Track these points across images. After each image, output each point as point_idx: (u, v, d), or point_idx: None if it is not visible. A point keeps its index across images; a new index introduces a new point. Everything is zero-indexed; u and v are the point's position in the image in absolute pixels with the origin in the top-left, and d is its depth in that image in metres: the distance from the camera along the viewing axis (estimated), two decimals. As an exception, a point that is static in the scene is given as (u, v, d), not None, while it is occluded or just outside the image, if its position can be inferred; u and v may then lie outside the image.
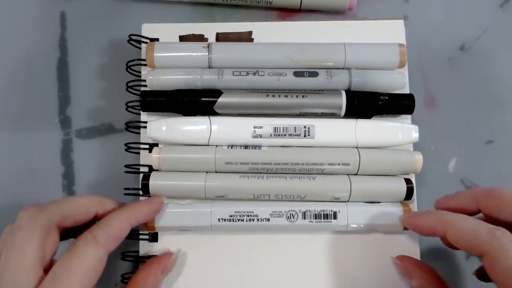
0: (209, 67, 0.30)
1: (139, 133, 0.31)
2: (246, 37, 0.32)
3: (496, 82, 0.33)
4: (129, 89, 0.31)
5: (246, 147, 0.29)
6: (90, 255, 0.23)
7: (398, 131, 0.29)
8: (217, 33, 0.32)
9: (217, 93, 0.29)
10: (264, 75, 0.30)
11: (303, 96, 0.29)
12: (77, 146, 0.33)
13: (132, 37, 0.31)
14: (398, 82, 0.30)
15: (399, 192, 0.29)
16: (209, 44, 0.30)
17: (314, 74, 0.30)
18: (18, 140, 0.33)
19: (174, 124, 0.29)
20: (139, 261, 0.30)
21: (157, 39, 0.32)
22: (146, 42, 0.31)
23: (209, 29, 0.32)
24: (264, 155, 0.29)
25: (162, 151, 0.29)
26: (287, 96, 0.29)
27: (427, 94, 0.33)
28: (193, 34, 0.32)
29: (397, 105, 0.30)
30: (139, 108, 0.31)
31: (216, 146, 0.29)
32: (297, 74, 0.30)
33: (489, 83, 0.33)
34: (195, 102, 0.29)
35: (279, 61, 0.30)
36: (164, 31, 0.32)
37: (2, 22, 0.35)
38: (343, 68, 0.30)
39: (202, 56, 0.30)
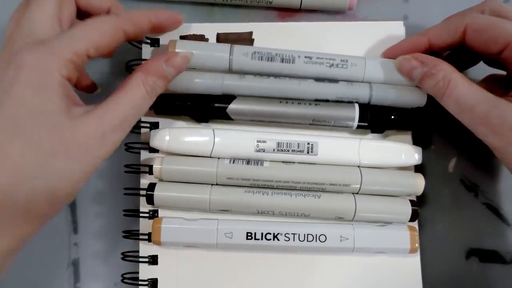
0: (229, 69, 0.30)
1: (139, 133, 0.31)
2: (247, 37, 0.32)
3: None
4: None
5: (248, 162, 0.29)
6: (109, 20, 0.25)
7: (401, 152, 0.29)
8: (217, 33, 0.32)
9: (230, 98, 0.29)
10: (285, 78, 0.29)
11: (316, 105, 0.29)
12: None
13: (132, 37, 0.31)
14: (419, 99, 0.29)
15: (404, 214, 0.29)
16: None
17: (334, 81, 0.29)
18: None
19: (177, 134, 0.29)
20: (139, 261, 0.30)
21: (158, 40, 0.32)
22: (147, 42, 0.31)
23: (210, 29, 0.32)
24: (265, 172, 0.29)
25: (164, 162, 0.29)
26: (300, 103, 0.29)
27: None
28: (193, 34, 0.32)
29: (409, 120, 0.29)
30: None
31: (218, 158, 0.29)
32: (318, 80, 0.29)
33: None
34: (208, 107, 0.29)
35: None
36: (165, 31, 0.32)
37: (2, 22, 0.35)
38: (362, 82, 0.30)
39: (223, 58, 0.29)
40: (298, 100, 0.29)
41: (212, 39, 0.32)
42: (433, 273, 0.31)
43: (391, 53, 0.30)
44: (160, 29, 0.30)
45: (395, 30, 0.32)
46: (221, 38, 0.32)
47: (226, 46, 0.30)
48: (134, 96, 0.25)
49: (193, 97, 0.29)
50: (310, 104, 0.29)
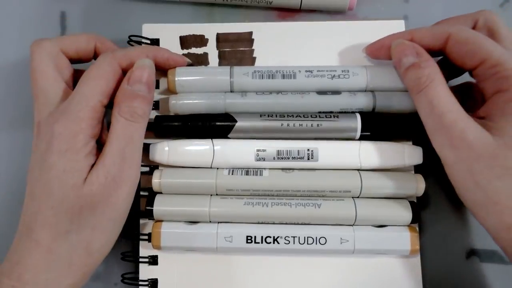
0: (231, 91, 0.30)
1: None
2: (246, 37, 0.32)
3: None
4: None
5: (247, 172, 0.29)
6: (105, 64, 0.26)
7: (402, 152, 0.29)
8: (217, 33, 0.32)
9: (231, 120, 0.29)
10: (287, 93, 0.29)
11: (318, 125, 0.29)
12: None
13: (132, 37, 0.31)
14: None
15: (405, 218, 0.29)
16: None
17: (337, 93, 0.29)
18: (18, 140, 0.33)
19: (176, 147, 0.29)
20: (138, 261, 0.30)
21: (158, 40, 0.32)
22: (147, 43, 0.31)
23: (210, 30, 0.32)
24: (265, 181, 0.29)
25: (163, 175, 0.29)
26: (301, 124, 0.29)
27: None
28: (193, 35, 0.32)
29: (413, 127, 0.29)
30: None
31: (217, 169, 0.29)
32: (320, 93, 0.29)
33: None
34: (209, 127, 0.29)
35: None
36: (165, 31, 0.32)
37: (2, 22, 0.35)
38: (365, 91, 0.30)
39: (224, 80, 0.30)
40: (301, 120, 0.29)
41: (212, 39, 0.32)
42: (433, 272, 0.31)
43: (373, 48, 0.30)
44: (157, 67, 0.29)
45: (396, 28, 0.31)
46: (221, 38, 0.32)
47: (226, 69, 0.30)
48: (119, 130, 0.25)
49: (192, 117, 0.29)
50: (312, 125, 0.29)
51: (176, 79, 0.29)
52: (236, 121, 0.29)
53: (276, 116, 0.29)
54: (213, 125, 0.29)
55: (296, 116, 0.29)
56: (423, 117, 0.26)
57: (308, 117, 0.29)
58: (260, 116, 0.29)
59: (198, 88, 0.30)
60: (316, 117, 0.29)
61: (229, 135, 0.29)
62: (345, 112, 0.29)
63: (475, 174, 0.24)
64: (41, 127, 0.26)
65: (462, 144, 0.24)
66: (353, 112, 0.29)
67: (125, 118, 0.26)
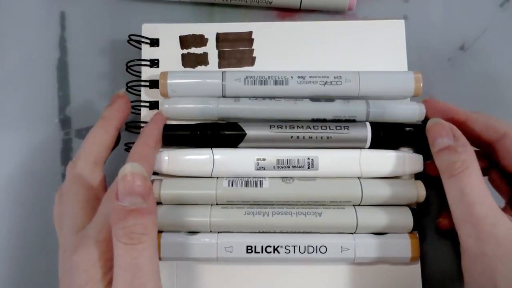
0: (223, 96, 0.30)
1: (139, 133, 0.31)
2: (246, 37, 0.32)
3: (496, 82, 0.33)
4: (128, 89, 0.31)
5: (247, 183, 0.29)
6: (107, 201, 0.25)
7: (403, 160, 0.29)
8: (217, 33, 0.32)
9: (240, 130, 0.29)
10: (281, 100, 0.29)
11: (328, 138, 0.29)
12: (77, 146, 0.33)
13: (132, 37, 0.31)
14: (417, 114, 0.29)
15: (406, 224, 0.28)
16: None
17: (330, 100, 0.29)
18: (18, 140, 0.33)
19: (176, 156, 0.29)
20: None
21: (157, 39, 0.32)
22: (146, 42, 0.31)
23: (209, 29, 0.32)
24: (265, 193, 0.29)
25: (163, 186, 0.29)
26: (311, 137, 0.29)
27: (427, 94, 0.33)
28: (193, 34, 0.32)
29: (422, 136, 0.28)
30: (138, 108, 0.31)
31: (217, 178, 0.29)
32: (314, 99, 0.29)
33: (489, 83, 0.33)
34: (218, 136, 0.29)
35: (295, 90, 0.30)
36: (164, 31, 0.32)
37: (2, 22, 0.35)
38: (357, 97, 0.30)
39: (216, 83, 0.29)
40: (311, 132, 0.29)
41: (212, 39, 0.32)
42: (433, 275, 0.31)
43: (431, 104, 0.29)
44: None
45: (396, 28, 0.32)
46: (221, 37, 0.32)
47: (218, 73, 0.30)
48: (120, 259, 0.21)
49: (201, 126, 0.29)
50: (321, 137, 0.29)
51: (168, 82, 0.29)
52: (245, 132, 0.29)
53: (286, 128, 0.29)
54: (223, 135, 0.29)
55: (306, 128, 0.29)
56: (451, 203, 0.25)
57: (318, 128, 0.29)
58: (270, 127, 0.29)
59: (190, 92, 0.30)
60: (326, 128, 0.29)
61: (238, 146, 0.29)
62: (346, 121, 0.29)
63: (496, 273, 0.23)
64: (64, 257, 0.24)
65: (491, 239, 0.23)
66: (352, 121, 0.29)
67: (123, 243, 0.21)
